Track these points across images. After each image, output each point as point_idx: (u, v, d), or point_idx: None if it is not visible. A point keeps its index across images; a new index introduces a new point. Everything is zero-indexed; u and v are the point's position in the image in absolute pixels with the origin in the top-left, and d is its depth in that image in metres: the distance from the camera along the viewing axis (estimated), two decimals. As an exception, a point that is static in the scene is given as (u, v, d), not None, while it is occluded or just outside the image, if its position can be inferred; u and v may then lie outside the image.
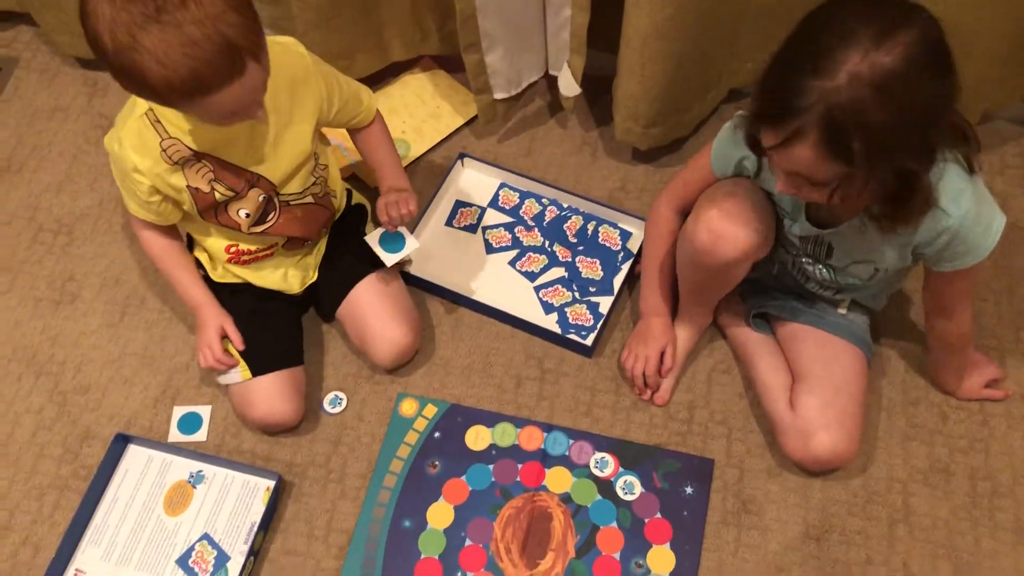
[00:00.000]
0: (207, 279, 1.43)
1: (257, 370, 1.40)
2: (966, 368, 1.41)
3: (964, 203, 1.08)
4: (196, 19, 0.99)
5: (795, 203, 1.22)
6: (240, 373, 1.40)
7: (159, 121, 1.20)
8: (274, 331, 1.45)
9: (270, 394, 1.40)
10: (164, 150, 1.21)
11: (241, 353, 1.40)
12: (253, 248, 1.40)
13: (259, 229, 1.34)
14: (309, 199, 1.37)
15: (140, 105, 1.21)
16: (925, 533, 1.34)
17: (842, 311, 1.37)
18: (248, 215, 1.31)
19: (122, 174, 1.26)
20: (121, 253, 1.65)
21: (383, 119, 1.48)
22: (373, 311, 1.44)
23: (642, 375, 1.43)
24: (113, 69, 1.04)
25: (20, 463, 1.45)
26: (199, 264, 1.44)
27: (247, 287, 1.44)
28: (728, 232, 1.21)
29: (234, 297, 1.43)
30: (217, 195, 1.27)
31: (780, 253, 1.33)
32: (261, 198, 1.30)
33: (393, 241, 1.43)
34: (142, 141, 1.21)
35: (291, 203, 1.35)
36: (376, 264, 1.44)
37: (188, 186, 1.25)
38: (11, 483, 1.43)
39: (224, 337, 1.39)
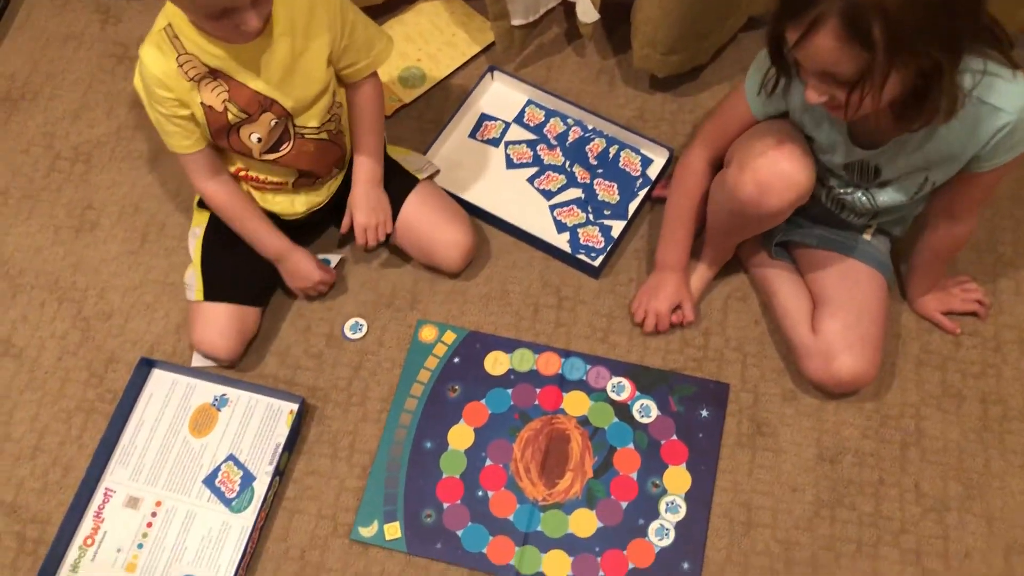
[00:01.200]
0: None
1: (209, 295, 1.42)
2: (937, 285, 1.43)
3: (1018, 99, 1.08)
4: None
5: (832, 136, 1.21)
6: (195, 292, 1.43)
7: (176, 37, 1.21)
8: (247, 265, 1.45)
9: (209, 323, 1.42)
10: (180, 66, 1.22)
11: (202, 273, 1.43)
12: (262, 177, 1.40)
13: (271, 157, 1.34)
14: (324, 135, 1.37)
15: (158, 22, 1.22)
16: (936, 455, 1.36)
17: (867, 237, 1.38)
18: (260, 140, 1.31)
19: (151, 99, 1.27)
20: (140, 180, 1.65)
21: (381, 85, 1.44)
22: (431, 221, 1.47)
23: (653, 327, 1.45)
24: None
25: (47, 387, 1.47)
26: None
27: None
28: (776, 184, 1.19)
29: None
30: (230, 116, 1.27)
31: (815, 188, 1.33)
32: (273, 123, 1.30)
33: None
34: (162, 54, 1.22)
35: (306, 136, 1.35)
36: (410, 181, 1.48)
37: (202, 103, 1.26)
38: (39, 406, 1.46)
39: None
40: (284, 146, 1.34)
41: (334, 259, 1.52)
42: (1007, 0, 1.47)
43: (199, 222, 1.47)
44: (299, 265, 1.44)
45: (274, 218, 1.45)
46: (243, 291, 1.45)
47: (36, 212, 1.63)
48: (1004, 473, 1.35)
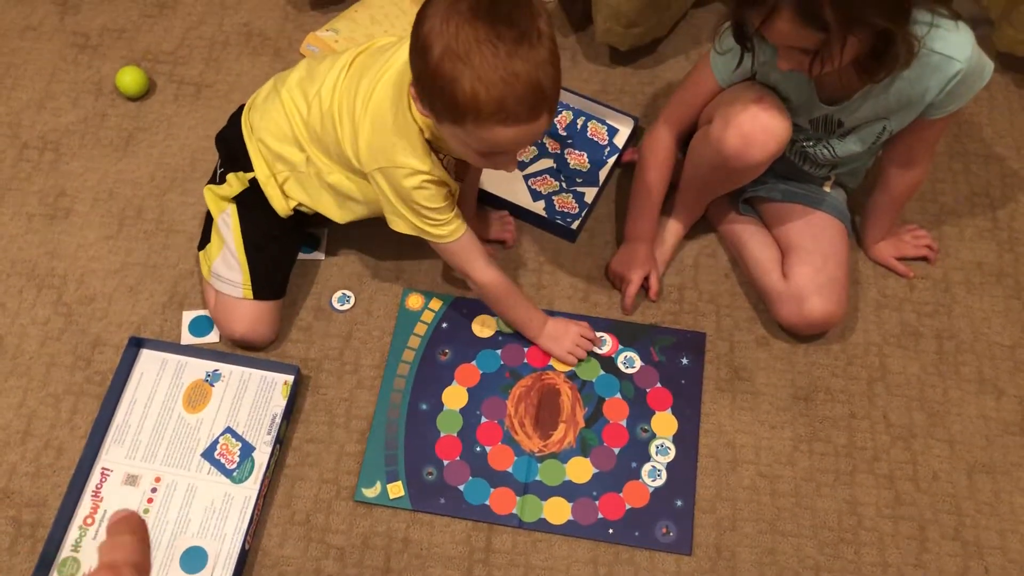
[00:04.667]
0: (265, 210, 1.43)
1: (259, 295, 1.44)
2: (891, 233, 1.54)
3: (967, 48, 1.18)
4: (524, 58, 1.04)
5: (801, 93, 1.31)
6: (242, 290, 1.43)
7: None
8: (285, 261, 1.50)
9: (256, 317, 1.44)
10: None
11: (251, 273, 1.43)
12: None
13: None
14: None
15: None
16: (900, 388, 1.47)
17: (827, 189, 1.48)
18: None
19: (424, 194, 1.26)
20: (113, 167, 1.65)
21: None
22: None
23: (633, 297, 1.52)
24: (425, 71, 1.07)
25: (32, 372, 1.46)
26: (258, 198, 1.42)
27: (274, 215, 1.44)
28: (759, 135, 1.27)
29: (267, 215, 1.43)
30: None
31: None
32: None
33: None
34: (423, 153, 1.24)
35: None
36: None
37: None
38: (25, 392, 1.45)
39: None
40: None
41: (322, 238, 1.56)
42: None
43: (222, 208, 1.45)
44: (558, 325, 1.46)
45: (302, 217, 1.46)
46: (283, 286, 1.49)
47: (6, 201, 1.61)
48: (961, 401, 1.46)
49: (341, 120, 1.27)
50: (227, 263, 1.44)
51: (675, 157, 1.48)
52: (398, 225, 1.31)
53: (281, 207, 1.42)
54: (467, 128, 1.10)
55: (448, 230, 1.31)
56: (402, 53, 1.20)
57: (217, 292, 1.46)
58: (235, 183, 1.43)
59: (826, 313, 1.41)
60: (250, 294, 1.43)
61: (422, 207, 1.26)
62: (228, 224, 1.44)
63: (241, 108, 1.45)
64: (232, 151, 1.43)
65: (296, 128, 1.35)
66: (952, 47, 1.18)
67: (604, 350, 1.48)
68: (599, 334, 1.49)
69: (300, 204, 1.42)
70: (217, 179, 1.46)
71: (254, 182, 1.41)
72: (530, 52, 1.04)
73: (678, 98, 1.45)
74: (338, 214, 1.42)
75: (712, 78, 1.37)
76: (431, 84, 1.08)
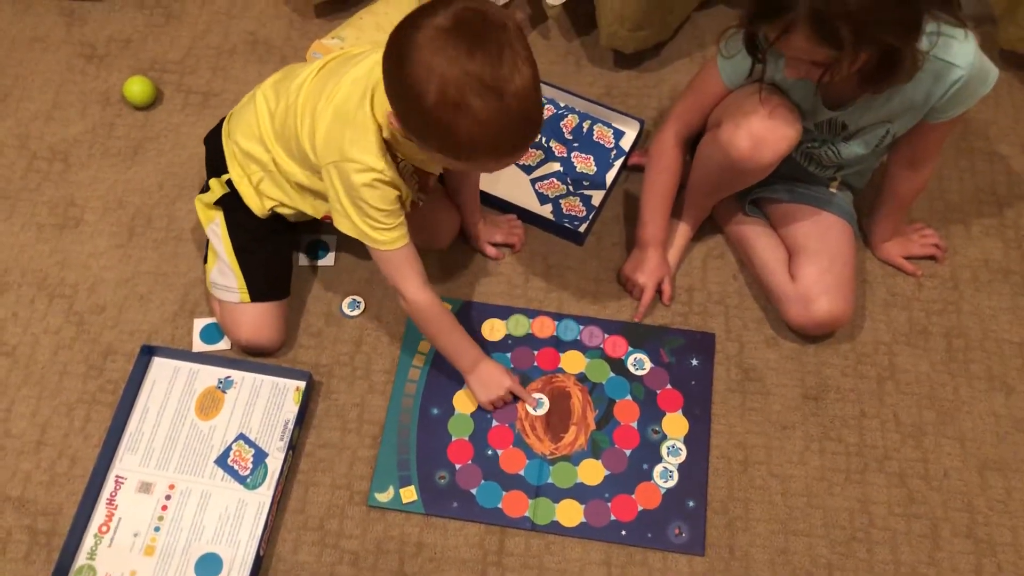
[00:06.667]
0: (244, 213, 1.44)
1: (256, 297, 1.44)
2: (898, 232, 1.55)
3: (969, 55, 1.19)
4: (514, 93, 1.04)
5: (806, 97, 1.31)
6: (239, 295, 1.44)
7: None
8: (279, 261, 1.50)
9: (260, 320, 1.45)
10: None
11: (244, 276, 1.44)
12: None
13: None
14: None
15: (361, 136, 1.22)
16: (910, 387, 1.47)
17: (833, 190, 1.48)
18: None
19: (373, 194, 1.25)
20: (121, 176, 1.66)
21: None
22: (426, 206, 1.52)
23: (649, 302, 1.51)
24: (418, 115, 1.07)
25: (45, 382, 1.47)
26: (240, 201, 1.43)
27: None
28: (769, 137, 1.28)
29: (250, 218, 1.44)
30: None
31: None
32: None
33: None
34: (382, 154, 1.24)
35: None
36: None
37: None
38: (38, 401, 1.45)
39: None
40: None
41: (330, 247, 1.57)
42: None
43: (211, 217, 1.46)
44: (492, 372, 1.42)
45: (280, 220, 1.47)
46: (281, 286, 1.49)
47: (17, 212, 1.62)
48: (971, 399, 1.46)
49: (303, 115, 1.28)
50: (221, 271, 1.45)
51: (683, 161, 1.48)
52: (342, 224, 1.29)
53: (256, 206, 1.42)
54: (460, 161, 1.13)
55: (390, 236, 1.27)
56: (372, 57, 1.22)
57: (220, 302, 1.47)
58: (216, 187, 1.44)
59: (833, 313, 1.41)
60: (247, 297, 1.44)
61: (368, 206, 1.24)
62: (217, 233, 1.45)
63: (223, 119, 1.48)
64: (212, 157, 1.46)
65: (263, 127, 1.36)
66: (955, 54, 1.19)
67: (615, 352, 1.49)
68: (610, 336, 1.50)
69: (279, 204, 1.43)
70: (204, 188, 1.48)
71: (231, 183, 1.43)
72: (519, 84, 1.04)
73: (684, 102, 1.45)
74: (313, 210, 1.43)
75: (719, 81, 1.37)
76: (424, 128, 1.09)
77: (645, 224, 1.51)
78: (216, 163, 1.45)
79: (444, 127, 1.06)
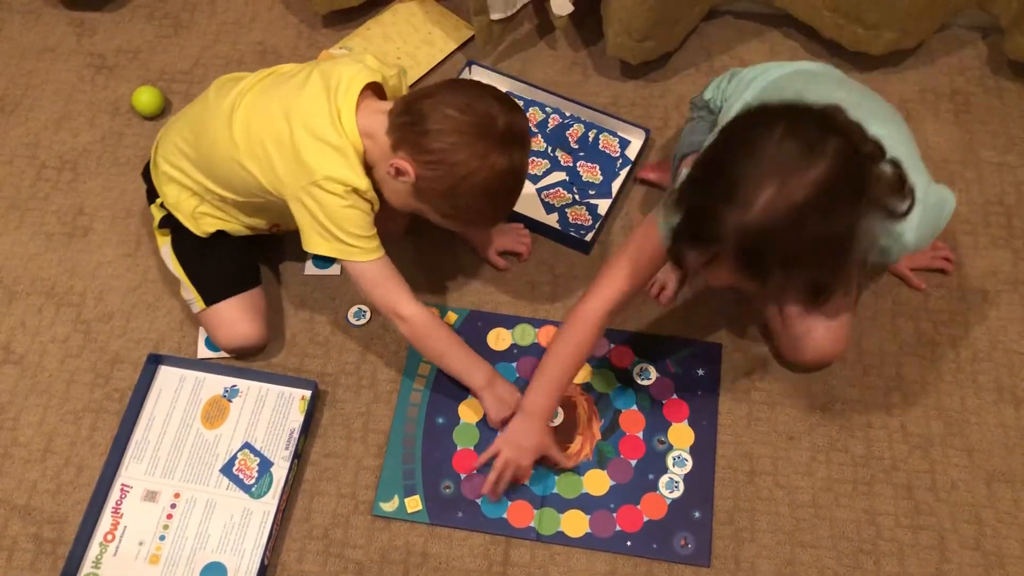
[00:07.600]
0: (184, 232, 1.45)
1: (209, 299, 1.45)
2: None
3: (914, 229, 1.16)
4: (525, 169, 1.30)
5: None
6: (197, 304, 1.45)
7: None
8: (222, 257, 1.47)
9: (229, 319, 1.45)
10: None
11: (194, 284, 1.45)
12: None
13: None
14: None
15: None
16: (917, 397, 1.46)
17: None
18: None
19: (350, 212, 1.29)
20: (130, 185, 1.67)
21: None
22: None
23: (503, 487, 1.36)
24: (444, 186, 1.25)
25: (52, 390, 1.48)
26: (176, 224, 1.45)
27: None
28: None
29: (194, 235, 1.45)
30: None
31: None
32: None
33: None
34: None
35: None
36: None
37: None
38: (45, 409, 1.46)
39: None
40: None
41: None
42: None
43: (163, 242, 1.48)
44: (506, 391, 1.40)
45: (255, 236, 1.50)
46: (236, 279, 1.47)
47: (26, 221, 1.63)
48: (979, 409, 1.45)
49: (249, 146, 1.30)
50: (184, 288, 1.47)
51: (599, 339, 1.35)
52: (317, 245, 1.30)
53: (194, 227, 1.44)
54: (458, 206, 1.28)
55: (368, 246, 1.30)
56: (311, 80, 1.29)
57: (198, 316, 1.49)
58: (156, 212, 1.48)
59: (822, 353, 1.39)
60: (202, 303, 1.45)
61: (346, 222, 1.28)
62: (167, 256, 1.48)
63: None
64: (149, 183, 1.50)
65: (184, 159, 1.40)
66: (904, 230, 1.15)
67: (621, 362, 1.48)
68: (615, 346, 1.49)
69: (217, 221, 1.44)
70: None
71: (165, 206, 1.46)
72: (527, 161, 1.29)
73: (620, 264, 1.30)
74: (255, 224, 1.46)
75: (658, 244, 1.25)
76: (442, 196, 1.26)
77: (535, 395, 1.34)
78: (151, 188, 1.49)
79: (464, 203, 1.26)
